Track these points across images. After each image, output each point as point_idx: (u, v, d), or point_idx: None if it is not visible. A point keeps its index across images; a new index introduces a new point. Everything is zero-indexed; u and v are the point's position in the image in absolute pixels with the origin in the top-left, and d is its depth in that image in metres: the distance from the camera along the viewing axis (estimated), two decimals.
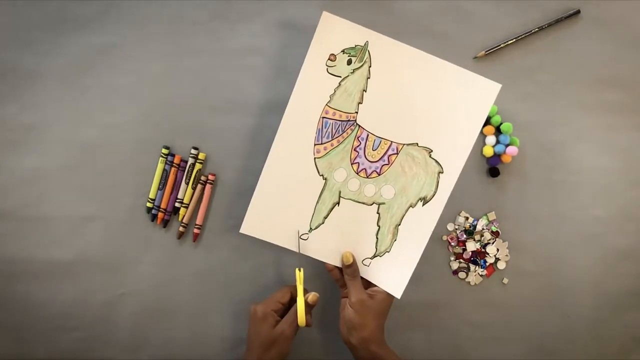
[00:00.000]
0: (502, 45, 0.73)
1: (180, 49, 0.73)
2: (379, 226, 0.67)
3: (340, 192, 0.66)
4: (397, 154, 0.65)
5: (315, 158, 0.65)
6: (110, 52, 0.72)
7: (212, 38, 0.73)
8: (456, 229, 0.75)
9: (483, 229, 0.75)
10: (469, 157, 0.74)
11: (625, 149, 0.76)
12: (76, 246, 0.73)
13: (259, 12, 0.73)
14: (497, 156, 0.74)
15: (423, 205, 0.65)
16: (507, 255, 0.75)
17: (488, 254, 0.75)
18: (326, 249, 0.68)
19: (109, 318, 0.74)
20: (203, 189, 0.73)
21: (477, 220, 0.75)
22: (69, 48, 0.72)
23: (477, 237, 0.75)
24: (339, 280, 0.69)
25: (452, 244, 0.75)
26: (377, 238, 0.67)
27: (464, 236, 0.75)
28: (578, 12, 0.74)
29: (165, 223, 0.73)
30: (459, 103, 0.63)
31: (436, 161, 0.64)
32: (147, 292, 0.74)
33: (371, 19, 0.73)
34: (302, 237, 0.67)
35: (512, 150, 0.73)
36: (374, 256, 0.67)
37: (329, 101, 0.64)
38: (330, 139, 0.65)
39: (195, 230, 0.73)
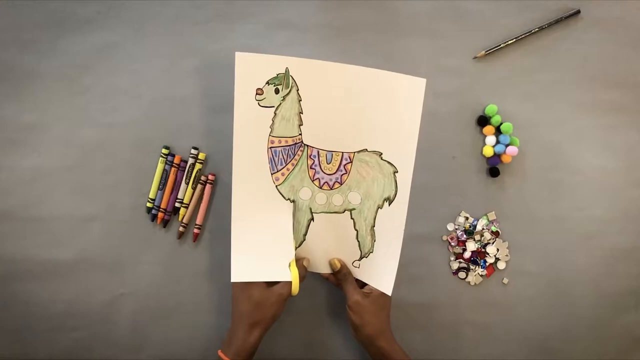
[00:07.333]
0: (502, 45, 0.73)
1: (180, 49, 0.73)
2: (356, 230, 0.69)
3: (311, 209, 0.68)
4: (352, 162, 0.67)
5: (276, 186, 0.67)
6: (110, 52, 0.72)
7: (212, 38, 0.73)
8: (456, 229, 0.75)
9: (483, 229, 0.75)
10: (469, 157, 0.75)
11: (625, 149, 0.76)
12: (76, 246, 0.73)
13: (259, 12, 0.73)
14: (497, 156, 0.74)
15: (389, 205, 0.67)
16: (507, 255, 0.75)
17: (488, 254, 0.75)
18: (315, 260, 0.70)
19: (109, 318, 0.74)
20: (203, 189, 0.73)
21: (477, 220, 0.75)
22: (69, 48, 0.72)
23: (477, 237, 0.75)
24: (337, 284, 0.71)
25: (452, 244, 0.75)
26: (358, 241, 0.69)
27: (464, 236, 0.75)
28: (578, 12, 0.74)
29: (165, 223, 0.73)
30: (391, 104, 0.64)
31: (388, 162, 0.66)
32: (147, 292, 0.74)
33: (371, 19, 0.73)
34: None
35: (512, 150, 0.73)
36: (361, 257, 0.69)
37: (270, 131, 0.65)
38: (284, 164, 0.67)
39: (195, 230, 0.73)
